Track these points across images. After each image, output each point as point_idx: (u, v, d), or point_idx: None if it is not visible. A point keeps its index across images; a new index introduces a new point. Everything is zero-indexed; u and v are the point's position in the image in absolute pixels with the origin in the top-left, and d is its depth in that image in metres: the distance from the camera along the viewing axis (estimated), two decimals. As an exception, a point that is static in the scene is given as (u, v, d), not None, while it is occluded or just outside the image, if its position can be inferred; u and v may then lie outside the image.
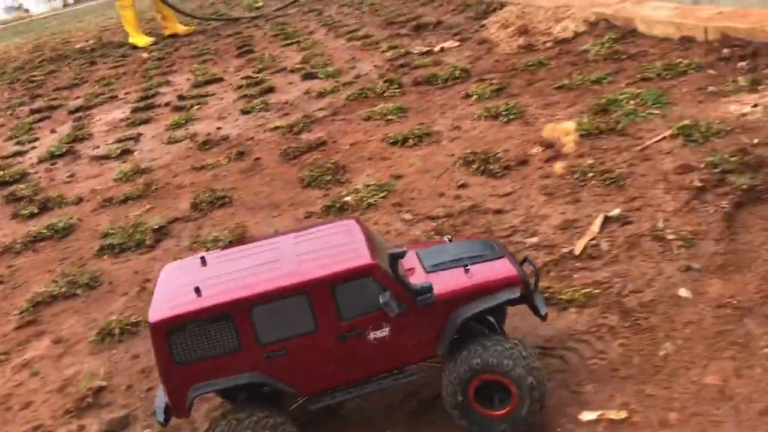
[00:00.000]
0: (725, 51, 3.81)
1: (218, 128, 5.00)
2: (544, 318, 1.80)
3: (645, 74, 3.88)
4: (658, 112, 3.36)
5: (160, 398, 1.76)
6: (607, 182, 2.82)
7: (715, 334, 1.91)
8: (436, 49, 5.79)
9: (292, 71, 6.31)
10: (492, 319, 1.80)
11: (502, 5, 6.39)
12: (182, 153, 4.61)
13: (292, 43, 7.80)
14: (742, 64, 3.64)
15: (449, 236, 1.98)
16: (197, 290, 1.63)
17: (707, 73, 3.70)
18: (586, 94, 3.88)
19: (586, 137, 3.28)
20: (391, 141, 3.86)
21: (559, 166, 3.06)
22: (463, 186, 3.13)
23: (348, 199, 3.20)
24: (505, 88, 4.33)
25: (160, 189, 3.98)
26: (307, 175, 3.60)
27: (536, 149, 3.31)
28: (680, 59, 3.95)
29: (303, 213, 3.23)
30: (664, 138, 3.08)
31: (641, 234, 2.41)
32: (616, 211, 2.59)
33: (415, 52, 5.86)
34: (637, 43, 4.51)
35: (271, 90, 5.78)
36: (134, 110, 6.18)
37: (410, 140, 3.79)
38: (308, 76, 5.93)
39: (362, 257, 1.63)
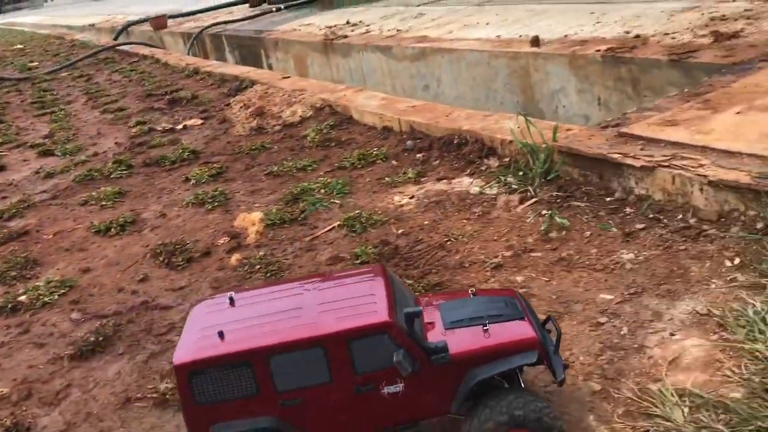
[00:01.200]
0: (409, 143, 4.31)
1: (-73, 214, 4.70)
2: (560, 383, 1.79)
3: (342, 163, 4.28)
4: (338, 201, 3.72)
5: None
6: (269, 274, 3.06)
7: None
8: (179, 126, 5.92)
9: (33, 146, 6.11)
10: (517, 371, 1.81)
11: (253, 83, 6.69)
12: None
13: (46, 113, 7.55)
14: (419, 155, 4.14)
15: (473, 289, 1.97)
16: (221, 334, 1.67)
17: (391, 163, 4.16)
18: (289, 181, 4.19)
19: (271, 227, 3.54)
20: (95, 230, 3.88)
21: (234, 258, 3.27)
22: (143, 280, 3.24)
23: (23, 297, 3.17)
24: (223, 173, 4.54)
25: None
26: (-6, 270, 3.52)
27: (223, 240, 3.51)
28: (376, 149, 4.41)
29: (-25, 314, 3.15)
30: (332, 228, 3.42)
31: (275, 327, 2.65)
32: (262, 305, 2.83)
33: (159, 129, 5.94)
34: (349, 130, 4.94)
35: (1, 169, 5.55)
36: None
37: (113, 229, 3.84)
38: (46, 153, 5.78)
39: (380, 314, 1.67)
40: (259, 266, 3.14)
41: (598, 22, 5.81)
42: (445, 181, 3.71)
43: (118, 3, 26.51)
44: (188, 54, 11.99)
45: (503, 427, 1.63)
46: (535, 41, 5.56)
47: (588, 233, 2.86)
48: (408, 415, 1.75)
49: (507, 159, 3.69)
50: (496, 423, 1.63)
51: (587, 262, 2.67)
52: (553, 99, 5.46)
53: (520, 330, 1.79)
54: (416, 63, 6.93)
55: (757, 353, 1.91)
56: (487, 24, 6.90)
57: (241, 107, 5.90)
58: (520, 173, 3.49)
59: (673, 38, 4.81)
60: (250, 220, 3.59)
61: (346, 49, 8.10)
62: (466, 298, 1.93)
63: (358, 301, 1.74)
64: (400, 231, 3.24)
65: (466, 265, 2.82)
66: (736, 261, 2.40)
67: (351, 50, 8.00)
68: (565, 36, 5.65)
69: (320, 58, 8.76)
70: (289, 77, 6.63)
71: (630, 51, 4.73)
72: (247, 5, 14.78)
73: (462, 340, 1.74)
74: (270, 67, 10.36)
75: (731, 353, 1.98)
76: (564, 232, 2.91)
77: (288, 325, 1.70)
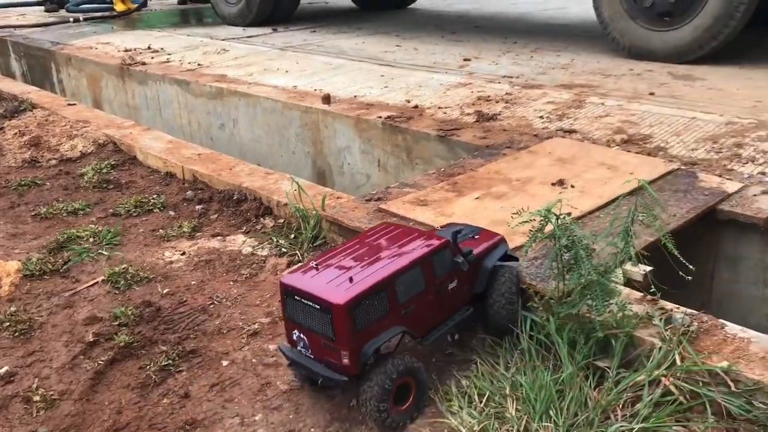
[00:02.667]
0: (189, 193, 4.35)
1: None
2: (518, 259, 2.75)
3: (117, 209, 4.21)
4: (107, 253, 3.66)
5: (323, 371, 2.28)
6: (17, 333, 2.95)
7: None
8: (-60, 149, 5.41)
9: None
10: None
11: (33, 107, 6.30)
12: None
13: None
14: (199, 207, 4.20)
15: (440, 226, 2.93)
16: (350, 279, 2.23)
17: (168, 213, 4.17)
18: (58, 225, 4.03)
19: (29, 278, 3.40)
20: None
21: (-19, 313, 3.10)
22: None
23: None
24: (-16, 210, 4.25)
25: None
26: None
27: (-28, 290, 3.30)
28: (155, 195, 4.39)
29: None
30: (96, 283, 3.36)
31: (15, 395, 2.58)
32: (4, 369, 2.73)
33: None
34: (132, 172, 4.86)
35: None
36: None
37: None
38: None
39: (440, 237, 2.49)
40: (8, 323, 3.00)
41: (385, 87, 6.28)
42: (219, 237, 3.81)
43: None
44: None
45: (514, 284, 2.61)
46: (327, 99, 5.88)
47: (341, 302, 3.11)
48: (459, 303, 2.57)
49: (282, 220, 3.88)
50: (510, 282, 2.60)
51: (335, 332, 2.91)
52: (340, 155, 5.80)
53: (491, 234, 2.77)
54: (213, 101, 6.96)
55: (453, 428, 2.25)
56: (287, 72, 7.14)
57: (15, 134, 5.53)
58: (292, 236, 3.70)
59: (444, 113, 5.36)
60: (5, 270, 3.41)
61: (143, 77, 7.90)
62: (442, 230, 2.76)
63: (416, 236, 2.50)
64: (165, 291, 3.28)
65: (224, 332, 2.95)
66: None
67: (148, 79, 7.82)
68: (355, 96, 6.04)
69: (116, 82, 8.44)
70: (75, 104, 6.34)
71: (406, 121, 5.19)
72: (42, 8, 13.80)
73: (471, 246, 2.60)
74: (61, 84, 9.75)
75: (435, 426, 2.31)
76: (320, 300, 3.14)
77: (393, 259, 2.35)
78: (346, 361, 2.21)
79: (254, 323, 2.98)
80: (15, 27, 11.68)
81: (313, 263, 2.38)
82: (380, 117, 5.33)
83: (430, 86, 6.16)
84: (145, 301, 3.15)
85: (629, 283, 2.78)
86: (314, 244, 3.57)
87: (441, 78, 6.41)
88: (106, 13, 12.73)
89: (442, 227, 2.88)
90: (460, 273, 2.50)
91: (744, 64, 6.15)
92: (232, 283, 3.35)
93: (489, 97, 5.66)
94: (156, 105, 7.90)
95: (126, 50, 8.94)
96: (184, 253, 3.63)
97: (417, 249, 2.41)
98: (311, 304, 2.24)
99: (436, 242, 2.46)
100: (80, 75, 9.23)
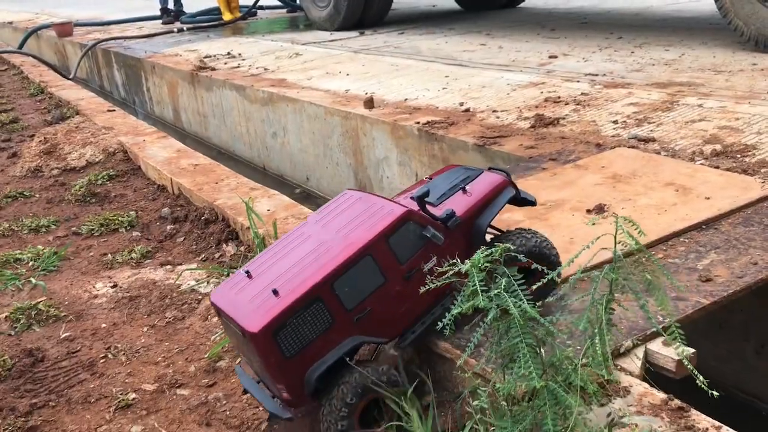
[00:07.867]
0: (165, 210, 3.73)
1: None
2: (534, 203, 2.09)
3: (81, 228, 3.65)
4: (33, 281, 3.09)
5: (269, 404, 1.79)
6: None
7: None
8: (-35, 157, 5.22)
9: None
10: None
11: (77, 113, 6.04)
12: None
13: None
14: (170, 227, 3.56)
15: (428, 176, 2.12)
16: (275, 292, 1.68)
17: (132, 235, 3.56)
18: (10, 245, 3.53)
19: (-65, 309, 2.90)
20: None
21: None
22: None
23: None
24: (-48, 226, 3.87)
25: None
26: None
27: None
28: (135, 212, 3.81)
29: None
30: (-4, 320, 2.79)
31: None
32: None
33: (-58, 157, 5.23)
34: (128, 184, 4.34)
35: None
36: None
37: None
38: None
39: (397, 208, 1.81)
40: None
41: (444, 88, 5.38)
42: (168, 267, 3.13)
43: (51, 2, 25.40)
44: (76, 67, 11.22)
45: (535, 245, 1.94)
46: (369, 102, 5.08)
47: (256, 368, 2.30)
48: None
49: (244, 247, 3.14)
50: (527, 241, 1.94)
51: (229, 413, 2.12)
52: (379, 167, 4.98)
53: (490, 179, 2.03)
54: (265, 108, 6.40)
55: None
56: (347, 75, 6.43)
57: (40, 141, 5.23)
58: (245, 269, 2.94)
59: (498, 117, 4.39)
60: None
61: (209, 83, 7.53)
62: (428, 182, 2.05)
63: (371, 211, 1.82)
64: (66, 335, 2.63)
65: (92, 401, 2.23)
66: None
67: (213, 85, 7.44)
68: (405, 100, 5.21)
69: (188, 89, 8.17)
70: (114, 110, 6.00)
71: (447, 128, 4.29)
72: (160, 22, 14.13)
73: (456, 205, 1.92)
74: (149, 92, 9.72)
75: None
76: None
77: (330, 254, 1.75)
78: (285, 394, 1.74)
79: (134, 391, 2.25)
80: (124, 38, 11.94)
81: (243, 270, 1.83)
82: (418, 123, 4.46)
83: (495, 87, 5.18)
84: (30, 349, 2.51)
85: (654, 369, 1.76)
86: (264, 282, 2.78)
87: (511, 78, 5.41)
88: (214, 23, 12.74)
89: (429, 178, 2.14)
90: (437, 247, 1.85)
91: None
92: (147, 328, 2.64)
93: (559, 98, 4.60)
94: (221, 112, 7.50)
95: (206, 56, 8.66)
96: (115, 285, 2.98)
97: (363, 233, 1.79)
98: (235, 329, 1.73)
99: (389, 218, 1.80)
100: (162, 82, 9.09)
